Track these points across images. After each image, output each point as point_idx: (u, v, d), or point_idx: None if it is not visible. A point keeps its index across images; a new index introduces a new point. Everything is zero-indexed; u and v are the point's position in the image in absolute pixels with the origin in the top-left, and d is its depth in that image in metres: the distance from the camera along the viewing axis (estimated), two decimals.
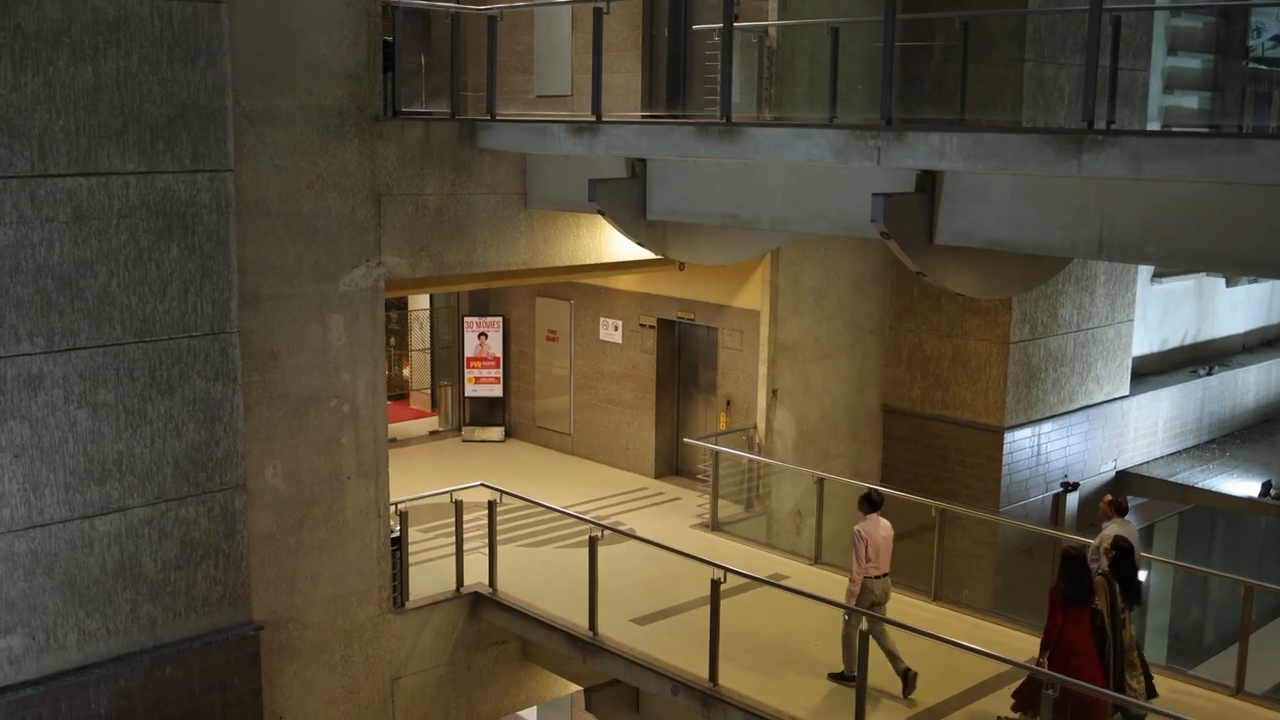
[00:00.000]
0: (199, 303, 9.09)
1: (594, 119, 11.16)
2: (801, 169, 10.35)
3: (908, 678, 10.72)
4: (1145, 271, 18.77)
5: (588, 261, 13.58)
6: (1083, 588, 9.80)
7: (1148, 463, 18.23)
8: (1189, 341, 20.08)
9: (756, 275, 15.49)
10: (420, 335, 20.67)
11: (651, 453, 17.23)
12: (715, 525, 15.18)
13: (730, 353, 16.12)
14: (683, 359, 17.21)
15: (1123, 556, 10.34)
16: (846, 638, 10.90)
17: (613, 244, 13.68)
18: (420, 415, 20.32)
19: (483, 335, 18.88)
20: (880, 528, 11.19)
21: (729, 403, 16.23)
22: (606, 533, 12.76)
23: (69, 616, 8.83)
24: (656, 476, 17.22)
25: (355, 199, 11.57)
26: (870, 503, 11.32)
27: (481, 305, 19.31)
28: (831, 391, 16.31)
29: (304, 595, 11.66)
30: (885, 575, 11.18)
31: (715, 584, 10.95)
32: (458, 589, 12.96)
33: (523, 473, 17.20)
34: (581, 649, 12.01)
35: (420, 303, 20.39)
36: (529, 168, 12.71)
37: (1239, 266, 7.93)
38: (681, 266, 12.64)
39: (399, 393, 21.38)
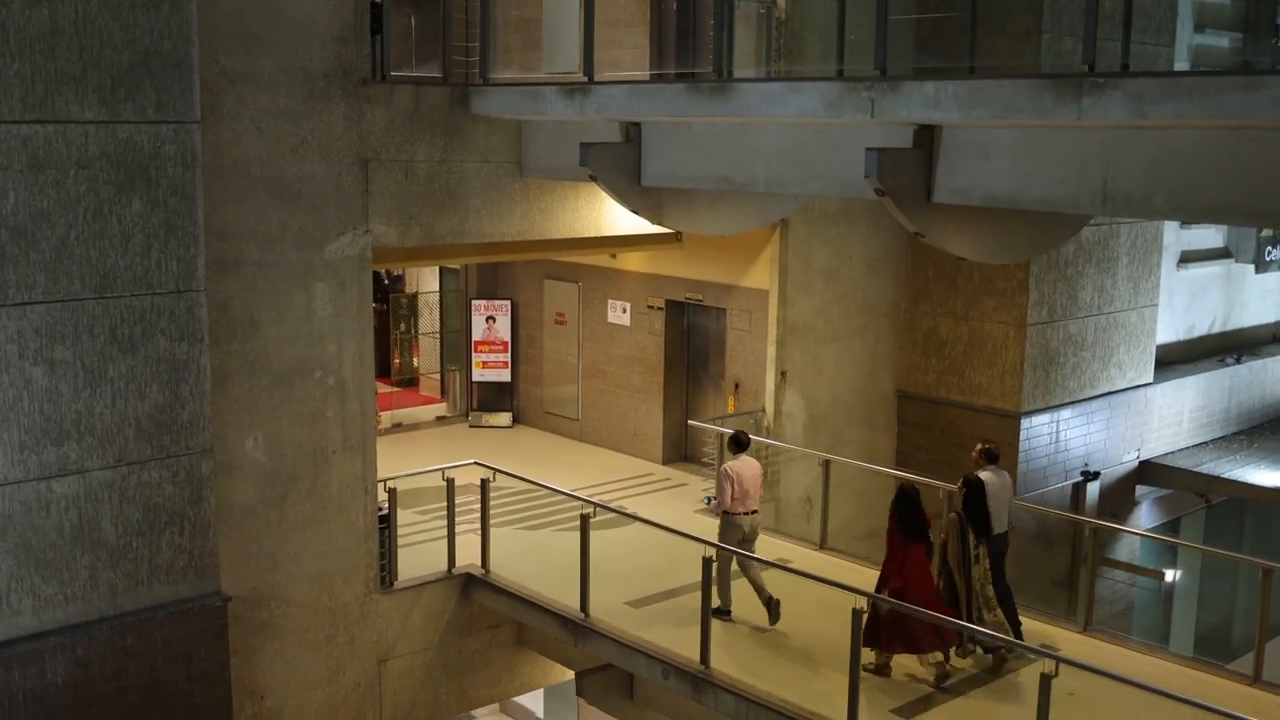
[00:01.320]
0: (163, 259, 8.76)
1: (585, 79, 10.77)
2: (797, 129, 9.94)
3: (771, 606, 11.22)
4: (1171, 256, 18.20)
5: (586, 234, 13.20)
6: (916, 522, 10.26)
7: (1172, 453, 17.64)
8: (1217, 330, 19.47)
9: (765, 254, 15.06)
10: (430, 319, 20.36)
11: (659, 438, 16.81)
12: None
13: (739, 334, 15.68)
14: (692, 341, 16.79)
15: (973, 493, 10.56)
16: (719, 574, 11.29)
17: (612, 217, 13.30)
18: (429, 401, 20.02)
19: (490, 319, 18.53)
20: (749, 467, 11.61)
21: (737, 385, 15.79)
22: (608, 516, 12.47)
23: (24, 581, 8.50)
24: (664, 462, 16.79)
25: (341, 164, 11.24)
26: (738, 443, 11.78)
27: (489, 288, 18.96)
28: (844, 375, 15.84)
29: (286, 572, 11.34)
30: (754, 512, 11.58)
31: (706, 562, 10.53)
32: (449, 570, 12.59)
33: (528, 458, 16.81)
34: (572, 631, 11.61)
35: (429, 285, 20.11)
36: (524, 136, 12.35)
37: (1250, 217, 7.45)
38: (679, 236, 12.25)
39: (409, 377, 21.12)
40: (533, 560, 13.01)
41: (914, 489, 10.50)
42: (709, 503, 11.65)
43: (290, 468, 11.24)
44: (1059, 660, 8.60)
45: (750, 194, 12.25)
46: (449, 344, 19.68)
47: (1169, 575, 17.82)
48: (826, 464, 13.74)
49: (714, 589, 10.84)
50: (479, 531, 12.69)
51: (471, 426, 18.69)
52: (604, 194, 12.62)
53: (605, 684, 11.70)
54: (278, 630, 11.36)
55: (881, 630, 10.10)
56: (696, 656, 10.52)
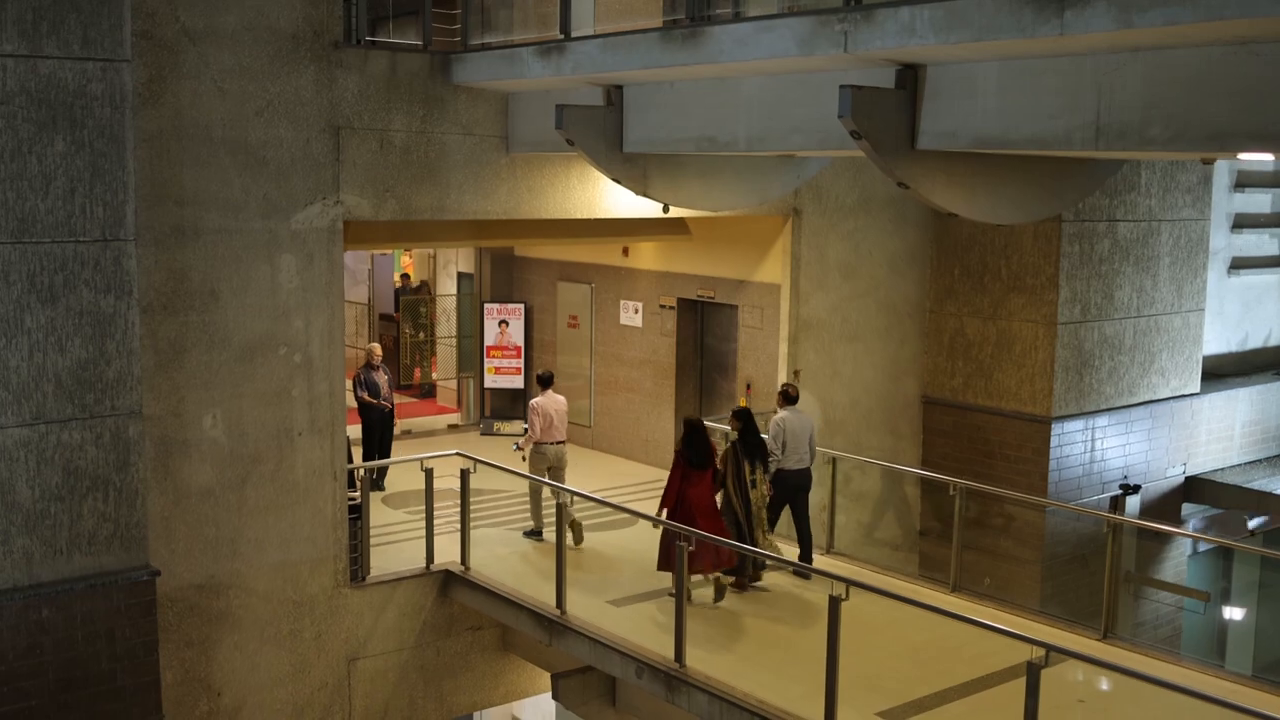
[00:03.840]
0: (88, 205, 8.21)
1: (561, 37, 10.16)
2: (778, 83, 9.25)
3: (575, 529, 12.48)
4: (1220, 261, 17.20)
5: (578, 215, 12.55)
6: (701, 452, 11.13)
7: (1222, 470, 16.49)
8: (1274, 342, 18.32)
9: (777, 247, 14.33)
10: (447, 326, 19.86)
11: (671, 444, 16.01)
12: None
13: (750, 331, 14.91)
14: (705, 342, 16.03)
15: (745, 424, 11.49)
16: (532, 498, 12.98)
17: (606, 198, 12.65)
18: (445, 410, 19.49)
19: (503, 323, 17.92)
20: (554, 402, 13.02)
21: (749, 386, 15.00)
22: (602, 519, 11.85)
23: None
24: None
25: (310, 130, 10.73)
26: (542, 380, 13.33)
27: (504, 291, 18.38)
28: (863, 378, 14.99)
29: (246, 560, 10.73)
30: (560, 442, 12.99)
31: (679, 550, 9.74)
32: (427, 566, 11.91)
33: None
34: (547, 629, 10.86)
35: (447, 288, 19.65)
36: (510, 108, 11.77)
37: (1259, 142, 6.62)
38: (666, 209, 11.55)
39: (427, 384, 20.63)
40: (520, 561, 12.34)
41: (700, 421, 11.45)
42: (517, 449, 13.32)
43: (252, 449, 10.67)
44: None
45: (745, 167, 11.61)
46: (464, 350, 19.14)
47: (1233, 613, 16.72)
48: (833, 461, 12.91)
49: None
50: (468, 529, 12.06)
51: (483, 434, 18.01)
52: (600, 175, 12.04)
53: (583, 687, 10.90)
54: (237, 622, 10.75)
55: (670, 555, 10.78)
56: (672, 654, 9.75)
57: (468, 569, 11.84)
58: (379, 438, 14.97)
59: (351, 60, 10.89)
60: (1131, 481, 15.32)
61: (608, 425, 16.91)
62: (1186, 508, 16.29)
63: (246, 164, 10.39)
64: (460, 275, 19.37)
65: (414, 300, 20.70)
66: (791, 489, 11.93)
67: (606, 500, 11.58)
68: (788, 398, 12.15)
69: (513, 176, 11.99)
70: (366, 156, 11.07)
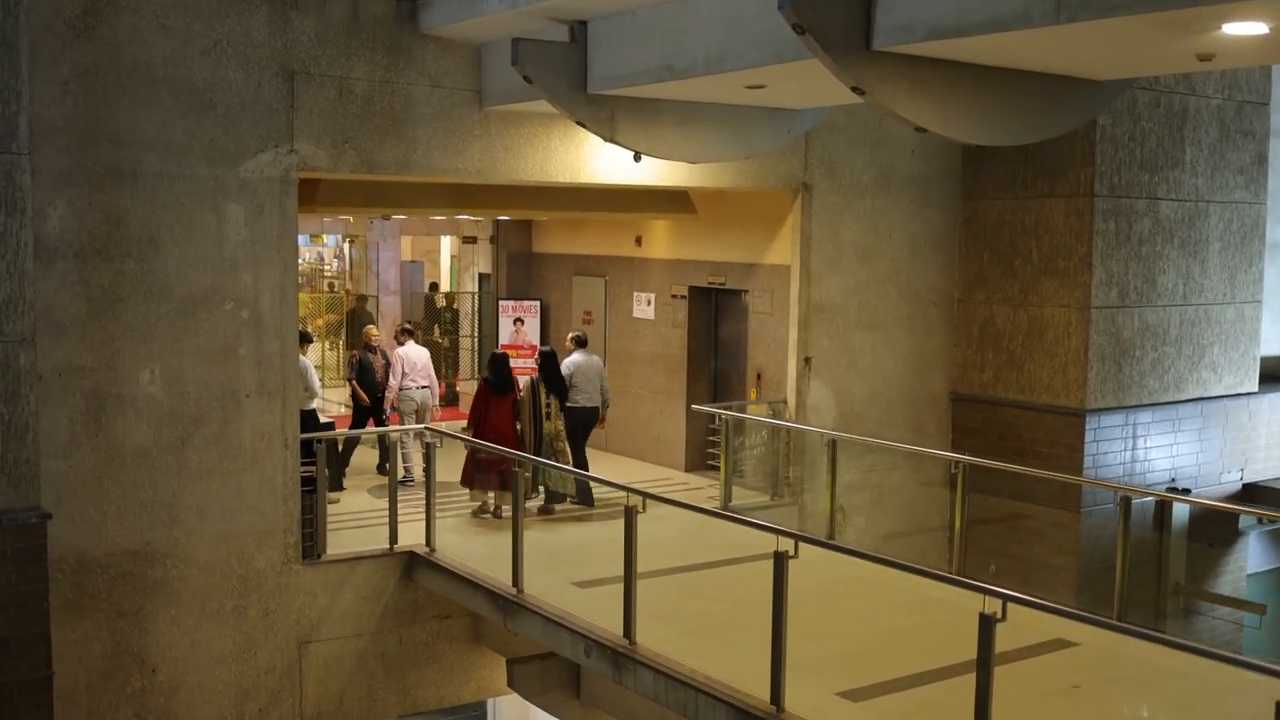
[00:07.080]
0: None
1: None
2: None
3: (410, 475, 13.57)
4: None
5: (560, 179, 11.83)
6: (503, 379, 12.63)
7: None
8: None
9: (787, 226, 13.48)
10: (468, 326, 19.28)
11: (682, 443, 15.16)
12: (726, 507, 12.90)
13: (761, 317, 14.02)
14: (718, 334, 15.16)
15: (545, 361, 12.94)
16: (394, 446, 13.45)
17: (592, 161, 11.92)
18: (464, 416, 18.78)
19: (518, 321, 17.24)
20: (415, 350, 14.48)
21: (759, 375, 14.09)
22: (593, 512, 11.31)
23: None
24: (687, 469, 15.12)
25: (262, 74, 10.17)
26: (406, 332, 14.81)
27: (520, 288, 17.71)
28: (883, 369, 13.99)
29: (186, 527, 10.07)
30: (425, 387, 14.34)
31: (630, 511, 8.85)
32: (390, 546, 11.13)
33: None
34: (502, 609, 10.01)
35: (468, 285, 19.10)
36: (483, 61, 11.14)
37: None
38: (638, 158, 10.74)
39: (451, 390, 20.02)
40: (495, 549, 11.48)
41: (504, 354, 13.03)
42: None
43: (194, 409, 10.03)
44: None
45: (726, 115, 10.82)
46: (485, 351, 18.51)
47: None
48: (832, 444, 11.92)
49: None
50: (445, 517, 11.35)
51: None
52: (585, 136, 11.36)
53: (542, 675, 10.03)
54: (174, 594, 10.06)
55: (475, 473, 12.36)
56: (621, 631, 8.84)
57: (433, 550, 11.05)
58: (368, 422, 14.36)
59: (308, 2, 10.34)
60: (1180, 485, 14.05)
61: (620, 426, 16.03)
62: (1244, 518, 14.92)
63: (191, 106, 9.86)
64: (481, 276, 18.81)
65: (433, 300, 20.13)
66: (581, 423, 13.33)
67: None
68: (579, 342, 13.62)
69: (486, 134, 11.32)
70: (324, 105, 10.48)
